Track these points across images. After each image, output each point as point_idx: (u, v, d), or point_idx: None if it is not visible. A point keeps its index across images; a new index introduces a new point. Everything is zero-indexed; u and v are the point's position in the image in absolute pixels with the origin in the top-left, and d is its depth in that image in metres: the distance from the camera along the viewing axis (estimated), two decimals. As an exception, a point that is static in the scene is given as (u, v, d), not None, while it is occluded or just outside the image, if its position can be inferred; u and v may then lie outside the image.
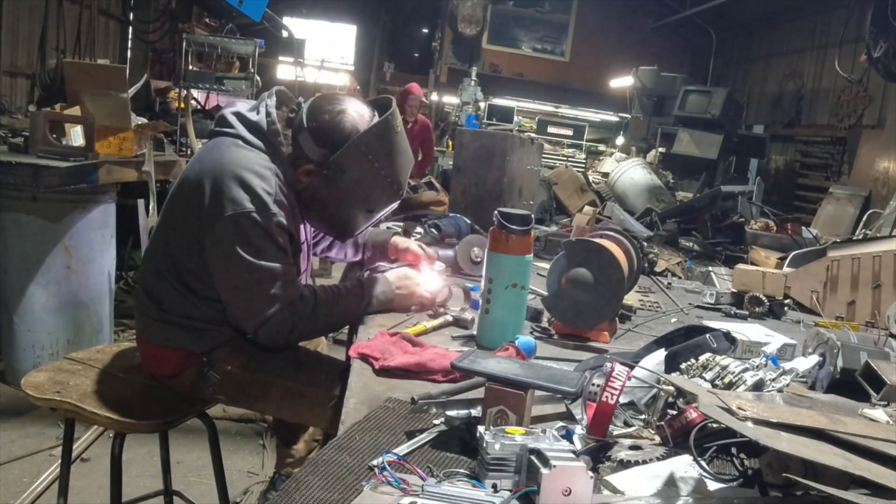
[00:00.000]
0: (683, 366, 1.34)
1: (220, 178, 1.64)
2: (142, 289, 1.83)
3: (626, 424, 1.21)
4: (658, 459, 1.08)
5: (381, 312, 1.84)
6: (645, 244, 3.03)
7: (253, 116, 1.76)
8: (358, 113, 1.74)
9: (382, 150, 1.73)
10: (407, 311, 1.87)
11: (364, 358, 1.50)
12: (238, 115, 1.78)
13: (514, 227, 1.58)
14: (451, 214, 3.10)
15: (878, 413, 1.23)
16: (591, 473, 0.90)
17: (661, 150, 7.60)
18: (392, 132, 1.75)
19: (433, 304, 1.90)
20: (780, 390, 1.26)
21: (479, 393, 1.22)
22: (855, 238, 3.66)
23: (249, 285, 1.65)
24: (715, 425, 1.07)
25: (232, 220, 1.61)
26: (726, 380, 1.25)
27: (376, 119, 1.75)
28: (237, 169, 1.64)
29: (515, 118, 9.43)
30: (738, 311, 2.32)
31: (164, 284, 1.76)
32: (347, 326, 2.06)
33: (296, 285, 1.73)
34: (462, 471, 1.01)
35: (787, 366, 1.40)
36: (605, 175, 6.41)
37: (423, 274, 1.98)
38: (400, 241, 2.20)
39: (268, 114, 1.76)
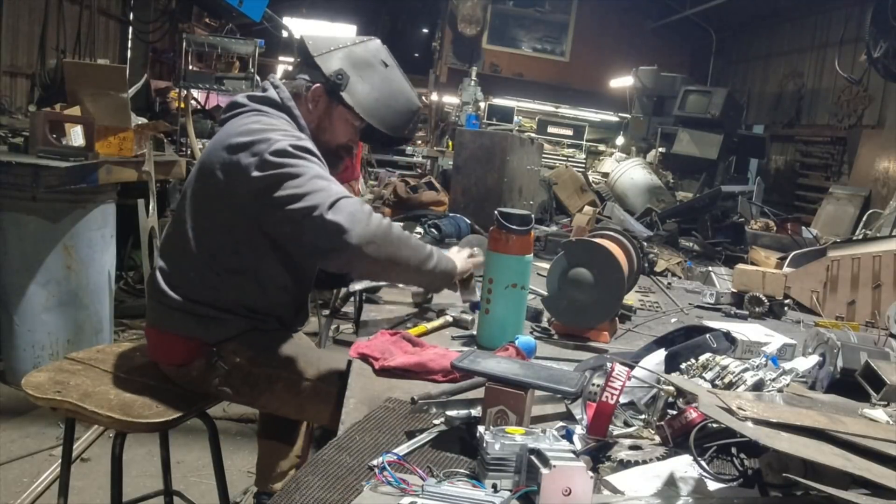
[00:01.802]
0: (683, 366, 1.34)
1: (247, 137, 1.67)
2: (159, 276, 1.83)
3: (626, 424, 1.22)
4: (658, 459, 1.08)
5: (439, 284, 1.79)
6: (645, 244, 3.04)
7: (262, 93, 1.84)
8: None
9: (374, 64, 1.85)
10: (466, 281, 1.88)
11: (364, 358, 1.50)
12: (249, 96, 1.85)
13: (514, 227, 1.58)
14: (450, 214, 3.10)
15: (878, 413, 1.23)
16: (591, 473, 0.90)
17: (661, 150, 7.59)
18: (379, 60, 1.86)
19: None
20: (780, 390, 1.27)
21: (479, 393, 1.22)
22: (855, 238, 3.67)
23: (304, 184, 1.59)
24: (715, 425, 1.07)
25: (269, 158, 1.62)
26: (726, 380, 1.25)
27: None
28: (260, 125, 1.71)
29: (515, 118, 9.42)
30: (738, 311, 2.32)
31: (189, 269, 1.77)
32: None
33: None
34: (462, 471, 1.01)
35: (787, 366, 1.40)
36: (605, 175, 6.41)
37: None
38: None
39: (275, 86, 1.84)
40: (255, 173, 1.62)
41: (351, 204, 1.58)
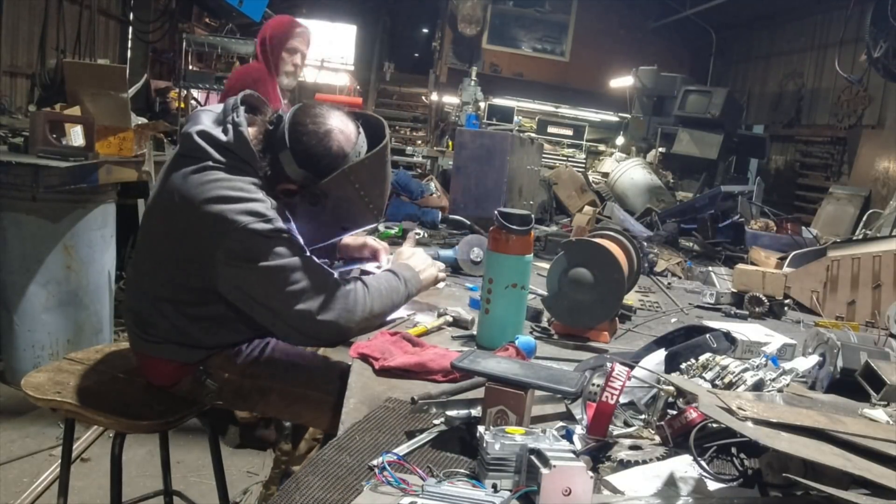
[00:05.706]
0: (683, 366, 1.34)
1: (208, 209, 1.54)
2: (128, 309, 1.79)
3: (626, 424, 1.21)
4: (658, 459, 1.08)
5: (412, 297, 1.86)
6: (645, 244, 3.04)
7: (223, 137, 1.62)
8: (344, 134, 1.65)
9: (371, 179, 1.67)
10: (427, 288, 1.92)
11: (364, 358, 1.50)
12: (205, 135, 1.63)
13: (514, 227, 1.58)
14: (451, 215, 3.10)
15: (878, 413, 1.23)
16: (591, 473, 0.90)
17: (661, 150, 7.59)
18: (384, 163, 1.71)
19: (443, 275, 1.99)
20: (780, 390, 1.27)
21: (479, 393, 1.22)
22: (855, 238, 3.67)
23: (288, 285, 1.54)
24: (715, 425, 1.07)
25: (237, 243, 1.53)
26: (726, 380, 1.25)
27: (362, 138, 1.69)
28: (222, 192, 1.55)
29: (515, 118, 9.41)
30: (738, 311, 2.32)
31: (153, 311, 1.70)
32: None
33: (330, 271, 1.66)
34: (462, 471, 1.01)
35: (787, 366, 1.40)
36: (605, 175, 6.41)
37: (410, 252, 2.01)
38: (351, 240, 2.15)
39: (237, 134, 1.62)
40: (228, 247, 1.53)
41: (340, 307, 1.59)
